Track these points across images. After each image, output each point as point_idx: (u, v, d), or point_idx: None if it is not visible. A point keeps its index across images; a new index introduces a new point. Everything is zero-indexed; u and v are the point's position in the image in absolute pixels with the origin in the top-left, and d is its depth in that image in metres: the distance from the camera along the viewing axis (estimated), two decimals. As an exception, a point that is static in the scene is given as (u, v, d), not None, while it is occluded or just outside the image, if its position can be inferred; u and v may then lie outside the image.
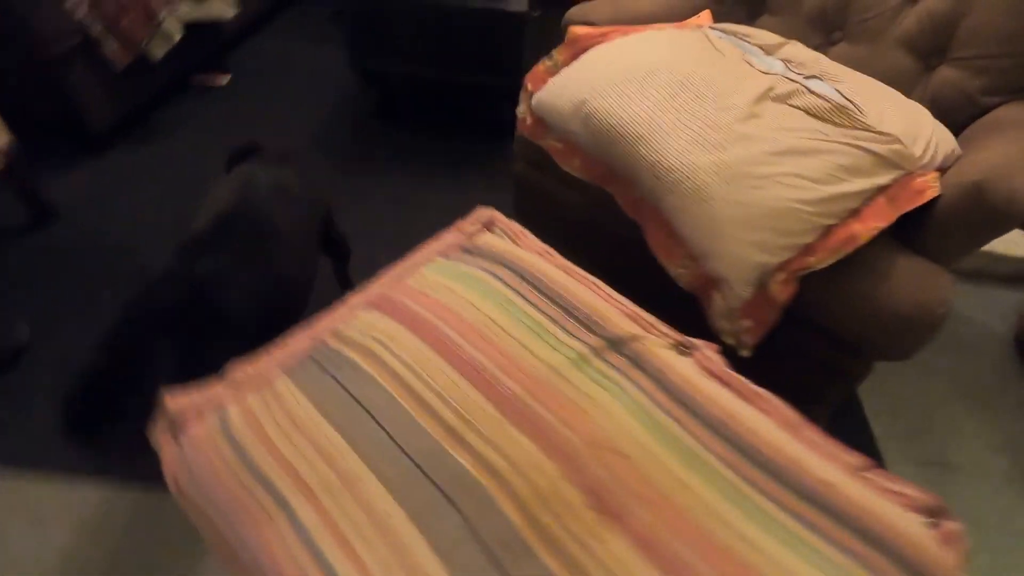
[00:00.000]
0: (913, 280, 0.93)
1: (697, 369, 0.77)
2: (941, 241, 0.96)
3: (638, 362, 0.76)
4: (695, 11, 1.38)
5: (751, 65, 1.09)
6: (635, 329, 0.81)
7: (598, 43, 1.16)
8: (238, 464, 0.66)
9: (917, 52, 1.20)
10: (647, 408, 0.72)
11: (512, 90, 1.58)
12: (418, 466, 0.63)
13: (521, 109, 1.23)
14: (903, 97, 1.09)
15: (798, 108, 0.99)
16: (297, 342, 0.80)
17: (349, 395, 0.71)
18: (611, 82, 1.04)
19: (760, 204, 0.90)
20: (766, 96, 1.00)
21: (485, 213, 1.03)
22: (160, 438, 0.72)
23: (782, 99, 1.00)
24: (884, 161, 0.93)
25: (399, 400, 0.70)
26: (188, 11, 1.88)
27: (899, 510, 0.63)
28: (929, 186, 0.95)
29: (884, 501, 0.64)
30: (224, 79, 2.15)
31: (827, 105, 0.98)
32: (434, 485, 0.62)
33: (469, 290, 0.84)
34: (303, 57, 2.37)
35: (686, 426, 0.70)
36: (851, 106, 0.98)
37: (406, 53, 1.81)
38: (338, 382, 0.72)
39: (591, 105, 1.05)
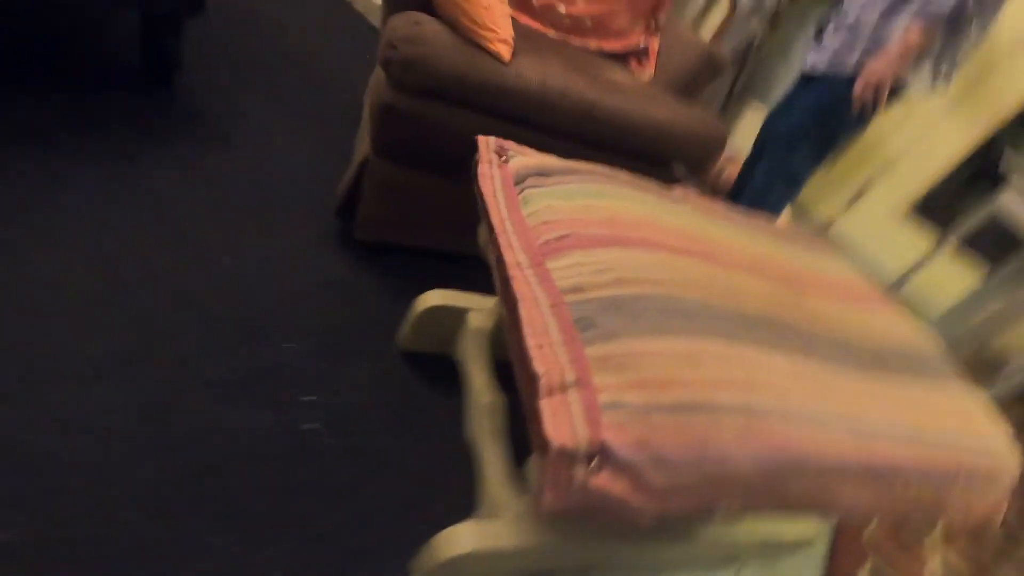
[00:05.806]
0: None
1: (696, 201, 1.12)
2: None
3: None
4: None
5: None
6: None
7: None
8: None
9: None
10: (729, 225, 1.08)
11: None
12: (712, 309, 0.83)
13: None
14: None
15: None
16: (546, 320, 0.76)
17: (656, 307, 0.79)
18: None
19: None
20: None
21: (490, 142, 1.03)
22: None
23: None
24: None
25: (678, 296, 0.81)
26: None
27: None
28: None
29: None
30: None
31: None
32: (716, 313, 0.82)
33: (591, 199, 0.93)
34: None
35: (742, 227, 1.10)
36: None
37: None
38: (644, 309, 0.78)
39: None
